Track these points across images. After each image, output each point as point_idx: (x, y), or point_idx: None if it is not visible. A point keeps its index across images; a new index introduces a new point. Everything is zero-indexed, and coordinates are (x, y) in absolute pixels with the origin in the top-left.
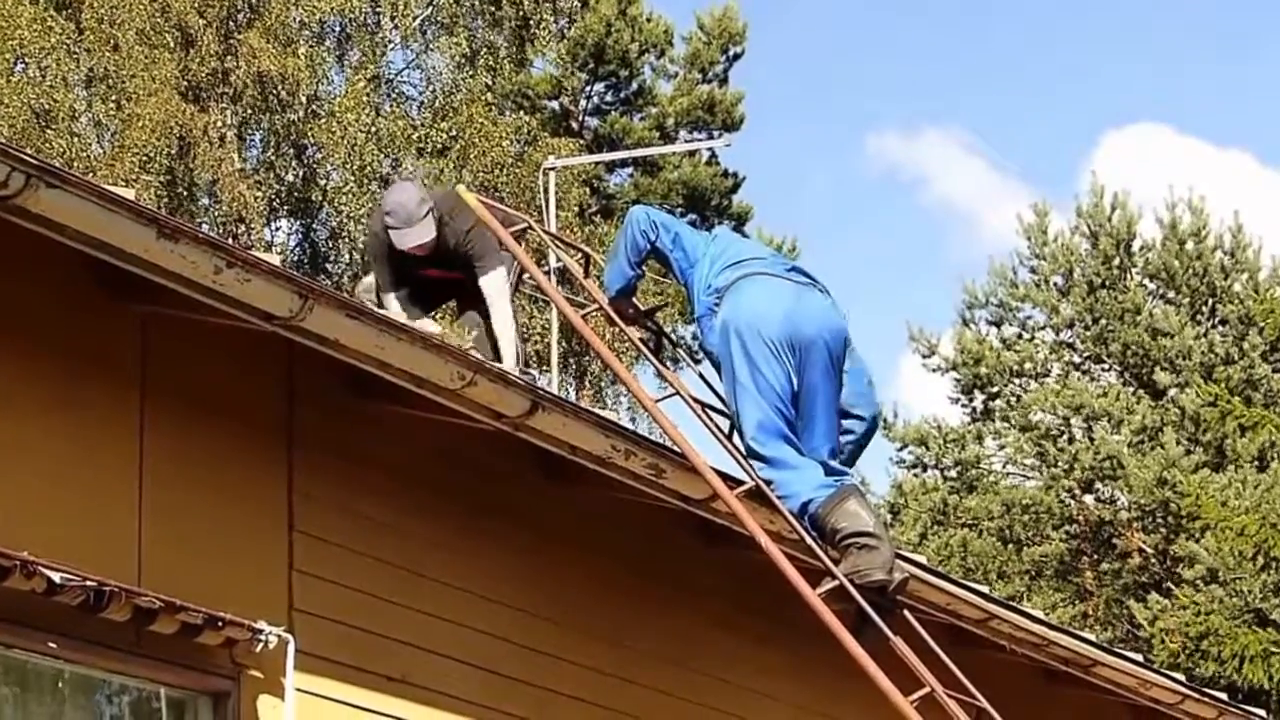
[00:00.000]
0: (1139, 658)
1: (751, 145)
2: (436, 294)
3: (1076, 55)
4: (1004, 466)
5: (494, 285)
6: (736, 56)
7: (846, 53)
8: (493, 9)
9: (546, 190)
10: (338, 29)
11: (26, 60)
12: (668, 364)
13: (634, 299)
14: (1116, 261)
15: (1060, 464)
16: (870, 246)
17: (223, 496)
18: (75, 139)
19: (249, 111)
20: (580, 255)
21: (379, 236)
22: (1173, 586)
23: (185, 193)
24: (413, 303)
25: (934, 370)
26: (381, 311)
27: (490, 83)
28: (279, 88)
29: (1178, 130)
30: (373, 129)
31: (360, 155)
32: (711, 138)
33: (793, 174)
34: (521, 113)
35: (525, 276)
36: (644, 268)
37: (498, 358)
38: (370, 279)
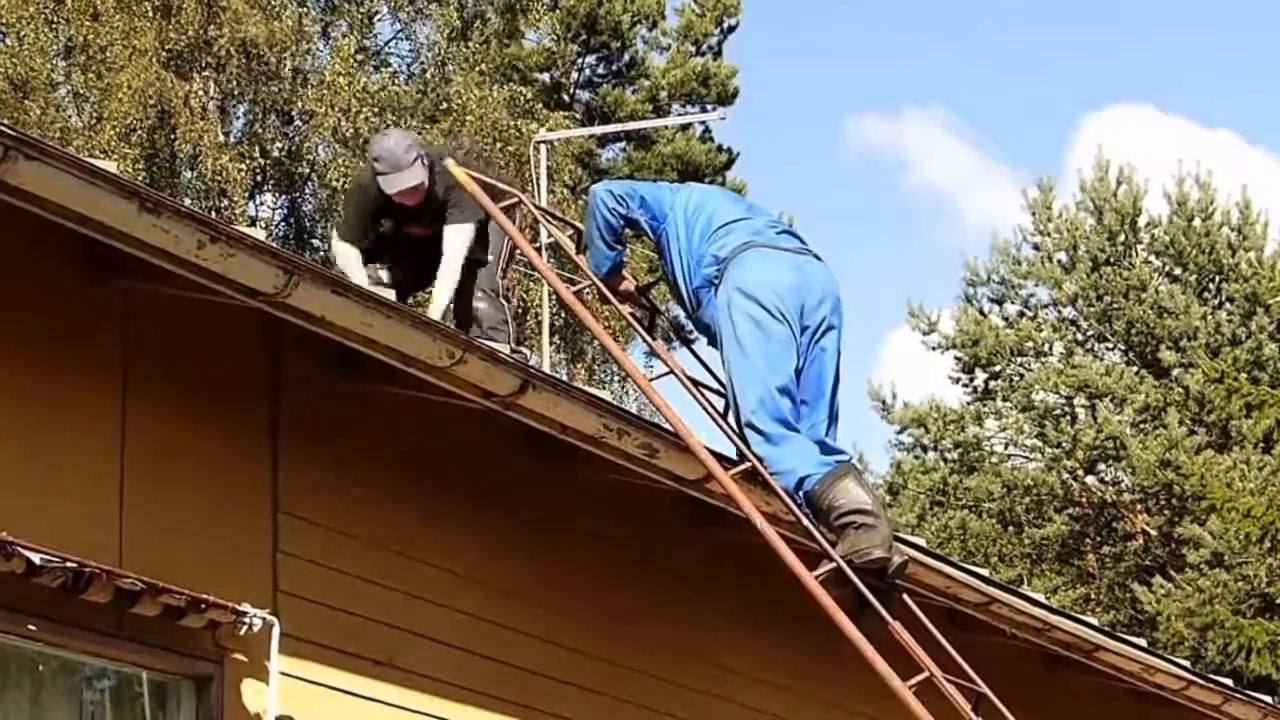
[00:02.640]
0: (1143, 642)
1: (746, 120)
2: (429, 257)
3: (1055, 37)
4: (1005, 447)
5: (454, 236)
6: (731, 29)
7: (826, 36)
8: None
9: (537, 165)
10: None
11: (4, 29)
12: (660, 341)
13: (624, 275)
14: (1121, 238)
15: (1062, 444)
16: (851, 229)
17: (206, 476)
18: (54, 110)
19: (232, 82)
20: (572, 231)
21: (363, 187)
22: (1177, 570)
23: (166, 165)
24: (403, 265)
25: (934, 348)
26: (368, 287)
27: (481, 52)
28: (265, 56)
29: (1161, 110)
30: (363, 95)
31: (354, 123)
32: (705, 111)
33: (774, 153)
34: (512, 84)
35: (517, 252)
36: (624, 244)
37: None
38: (354, 255)
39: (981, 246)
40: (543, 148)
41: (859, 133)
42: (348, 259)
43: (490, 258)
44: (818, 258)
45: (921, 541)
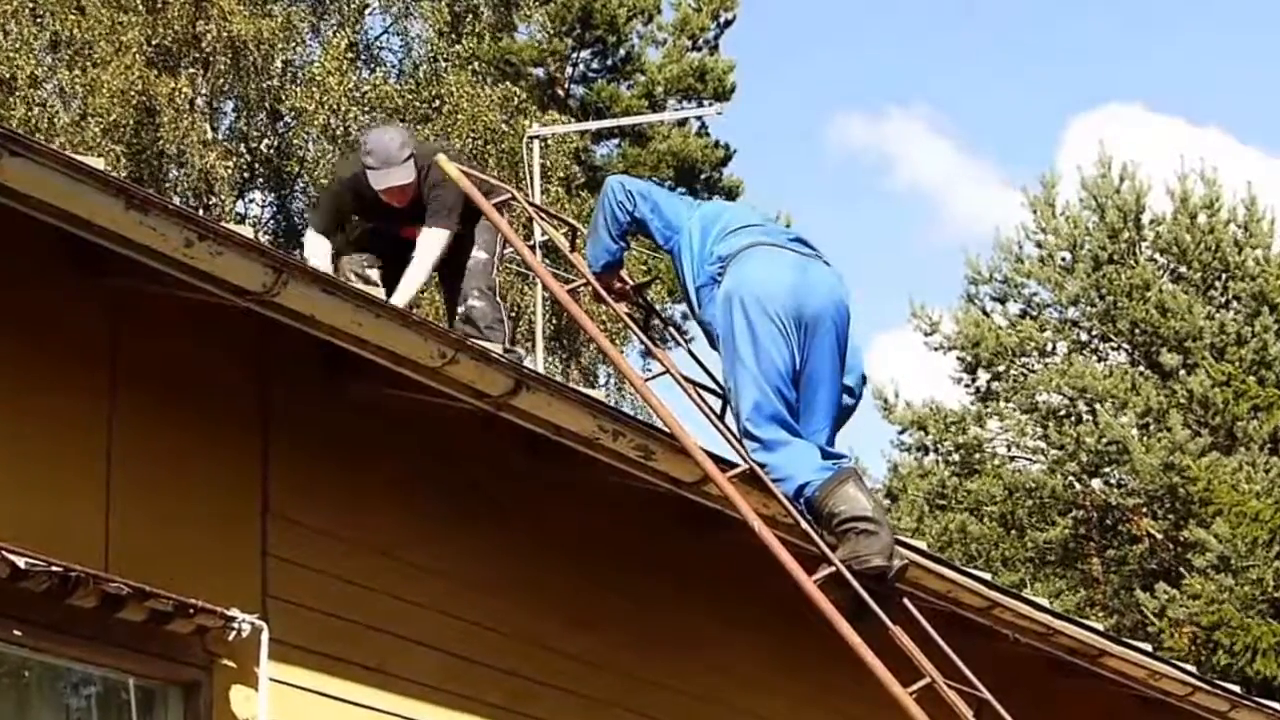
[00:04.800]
0: (1148, 648)
1: (743, 116)
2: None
3: (1041, 38)
4: (1007, 449)
5: (427, 240)
6: (728, 23)
7: (808, 36)
8: None
9: (530, 161)
10: None
11: None
12: (657, 341)
13: (621, 274)
14: (1125, 236)
15: (1066, 447)
16: (836, 229)
17: (194, 479)
18: (38, 106)
19: (220, 79)
20: (566, 229)
21: (344, 180)
22: (1182, 574)
23: (154, 163)
24: (391, 267)
25: (935, 349)
26: (357, 285)
27: (474, 49)
28: (253, 53)
29: (1149, 109)
30: (354, 93)
31: (344, 121)
32: (702, 107)
33: (757, 153)
34: (506, 81)
35: (509, 250)
36: (627, 240)
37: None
38: (354, 255)
39: (966, 247)
40: (535, 144)
41: (842, 132)
42: (317, 251)
43: (485, 255)
44: (826, 263)
45: (922, 545)
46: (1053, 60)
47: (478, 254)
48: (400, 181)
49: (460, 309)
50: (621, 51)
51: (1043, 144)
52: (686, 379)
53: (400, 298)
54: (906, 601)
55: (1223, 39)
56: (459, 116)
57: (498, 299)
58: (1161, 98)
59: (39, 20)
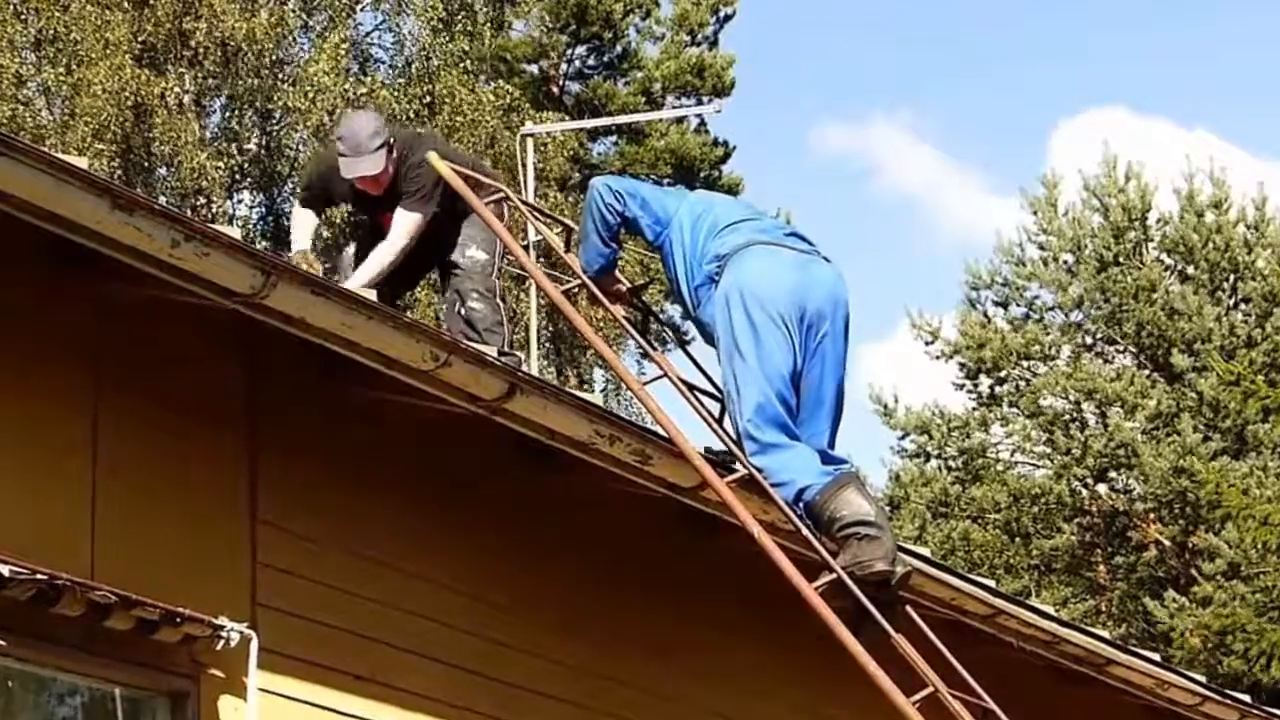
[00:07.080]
0: (1156, 656)
1: (743, 113)
2: (415, 257)
3: (1024, 42)
4: (1011, 455)
5: (399, 222)
6: (727, 18)
7: (793, 40)
8: None
9: (524, 161)
10: None
11: None
12: (654, 345)
13: (617, 276)
14: (1130, 236)
15: (1071, 452)
16: (821, 235)
17: (182, 484)
18: (23, 106)
19: (209, 78)
20: (561, 228)
21: (327, 165)
22: (1192, 580)
23: (142, 163)
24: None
25: (937, 357)
26: (351, 287)
27: (467, 47)
28: (243, 51)
29: (1134, 111)
30: (345, 93)
31: (334, 121)
32: (700, 104)
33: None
34: (499, 79)
35: (503, 250)
36: (619, 242)
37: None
38: (350, 251)
39: (951, 254)
40: (529, 142)
41: (824, 139)
42: (302, 223)
43: (484, 256)
44: (826, 259)
45: (925, 552)
46: (1035, 64)
47: (476, 254)
48: (369, 171)
49: (460, 311)
50: (618, 47)
51: (1029, 149)
52: (685, 382)
53: (360, 277)
54: (909, 609)
55: (1214, 39)
56: (453, 115)
57: (498, 301)
58: (1146, 100)
59: (22, 17)
